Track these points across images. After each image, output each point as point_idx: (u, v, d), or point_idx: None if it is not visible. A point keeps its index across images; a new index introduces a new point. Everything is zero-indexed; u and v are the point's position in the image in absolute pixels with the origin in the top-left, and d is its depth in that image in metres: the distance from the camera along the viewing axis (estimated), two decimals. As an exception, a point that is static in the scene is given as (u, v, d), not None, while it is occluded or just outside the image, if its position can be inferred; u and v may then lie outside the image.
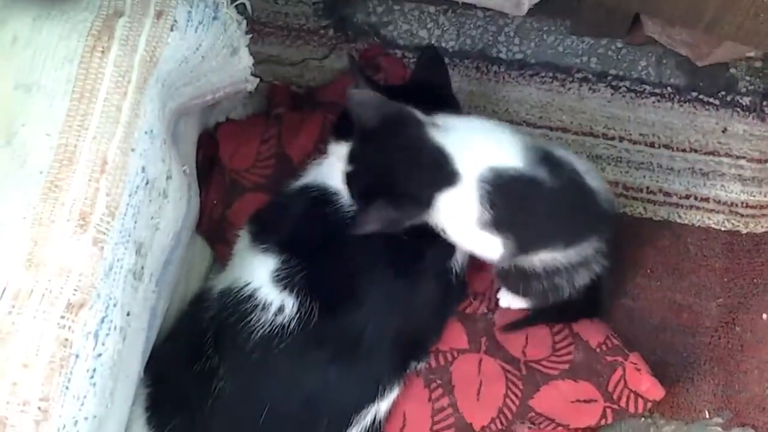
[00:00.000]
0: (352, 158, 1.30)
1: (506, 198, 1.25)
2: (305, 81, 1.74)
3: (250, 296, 1.34)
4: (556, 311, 1.46)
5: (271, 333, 1.31)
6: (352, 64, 1.45)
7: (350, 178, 1.31)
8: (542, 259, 1.32)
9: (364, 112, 1.28)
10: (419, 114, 1.28)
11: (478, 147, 1.27)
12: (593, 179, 1.32)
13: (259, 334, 1.31)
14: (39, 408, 1.02)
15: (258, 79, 1.44)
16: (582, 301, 1.44)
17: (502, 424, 1.43)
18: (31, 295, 1.04)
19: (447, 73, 1.50)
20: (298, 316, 1.31)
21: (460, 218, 1.27)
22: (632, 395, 1.43)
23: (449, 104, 1.42)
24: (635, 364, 1.43)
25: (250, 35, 1.38)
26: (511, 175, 1.25)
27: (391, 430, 1.44)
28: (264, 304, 1.33)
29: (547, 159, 1.28)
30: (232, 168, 1.56)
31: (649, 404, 1.44)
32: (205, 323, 1.35)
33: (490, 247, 1.30)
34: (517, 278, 1.37)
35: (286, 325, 1.31)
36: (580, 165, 1.32)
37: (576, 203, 1.31)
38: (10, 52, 1.11)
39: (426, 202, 1.26)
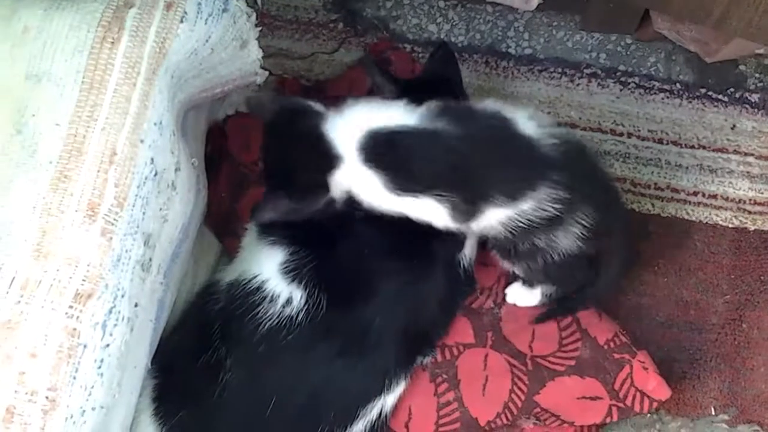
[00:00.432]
0: (261, 153, 1.38)
1: (398, 155, 1.26)
2: (314, 74, 1.74)
3: (258, 288, 1.35)
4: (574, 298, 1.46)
5: (279, 325, 1.32)
6: (367, 57, 1.46)
7: (263, 172, 1.38)
8: (498, 219, 1.27)
9: (261, 110, 1.36)
10: (315, 106, 1.33)
11: (355, 119, 1.28)
12: (531, 126, 1.27)
13: (266, 326, 1.32)
14: (47, 397, 1.02)
15: (267, 72, 1.44)
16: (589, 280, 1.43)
17: (507, 419, 1.43)
18: (39, 284, 1.04)
19: (458, 69, 1.51)
20: (306, 307, 1.32)
21: (373, 192, 1.28)
22: (638, 394, 1.43)
23: (459, 96, 1.43)
24: (642, 362, 1.43)
25: (260, 28, 1.38)
26: (397, 132, 1.26)
27: (396, 424, 1.44)
28: (272, 296, 1.33)
29: (449, 111, 1.27)
30: (241, 161, 1.56)
31: (655, 404, 1.44)
32: (212, 315, 1.36)
33: (433, 211, 1.28)
34: (504, 243, 1.34)
35: (294, 317, 1.32)
36: (513, 113, 1.28)
37: (501, 150, 1.27)
38: (21, 42, 1.11)
39: (320, 189, 1.30)
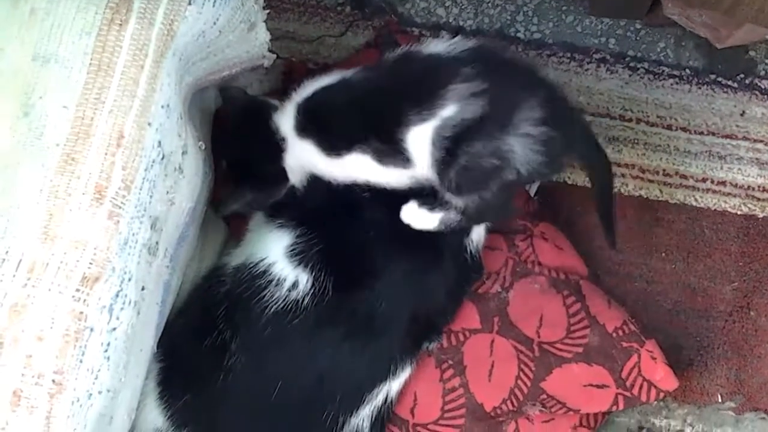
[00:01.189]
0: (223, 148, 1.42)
1: (319, 117, 1.31)
2: (321, 58, 1.74)
3: (265, 272, 1.35)
4: None
5: (285, 309, 1.32)
6: (387, 34, 1.46)
7: (227, 167, 1.41)
8: (427, 137, 1.22)
9: (231, 106, 1.44)
10: (272, 101, 1.39)
11: (293, 98, 1.33)
12: (440, 46, 1.26)
13: (272, 309, 1.32)
14: (53, 381, 1.02)
15: (275, 55, 1.44)
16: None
17: (513, 405, 1.43)
18: (46, 267, 1.04)
19: None
20: (312, 291, 1.32)
21: (317, 163, 1.32)
22: (645, 384, 1.42)
23: None
24: (651, 352, 1.43)
25: (267, 11, 1.37)
26: (313, 95, 1.31)
27: (401, 410, 1.44)
28: (278, 279, 1.34)
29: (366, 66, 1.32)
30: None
31: (662, 394, 1.43)
32: (218, 298, 1.36)
33: (366, 165, 1.28)
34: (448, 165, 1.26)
35: (300, 300, 1.32)
36: (422, 44, 1.29)
37: (404, 73, 1.27)
38: (28, 24, 1.10)
39: (278, 178, 1.36)
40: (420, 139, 1.22)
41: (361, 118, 1.26)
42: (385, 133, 1.24)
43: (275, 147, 1.33)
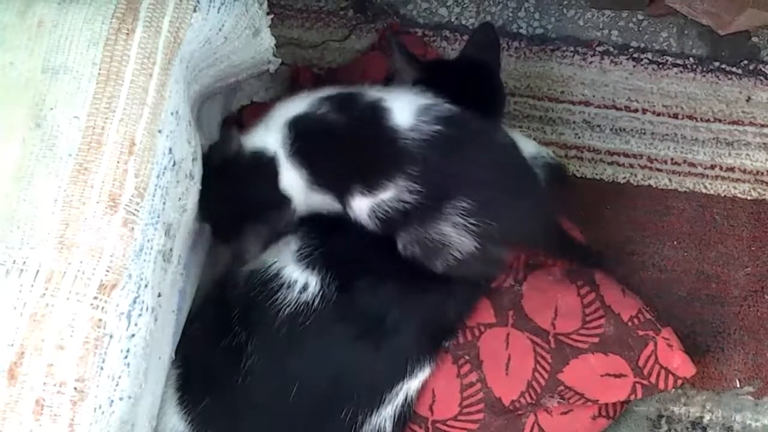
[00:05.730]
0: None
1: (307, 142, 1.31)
2: (326, 63, 1.74)
3: (276, 275, 1.35)
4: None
5: (298, 310, 1.32)
6: (394, 39, 1.46)
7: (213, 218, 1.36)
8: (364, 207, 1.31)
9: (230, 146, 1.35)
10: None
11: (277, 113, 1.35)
12: (406, 118, 1.27)
13: (286, 311, 1.32)
14: (75, 388, 1.03)
15: (280, 60, 1.45)
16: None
17: (531, 398, 1.43)
18: (63, 276, 1.04)
19: (499, 54, 1.50)
20: (320, 294, 1.33)
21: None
22: (663, 371, 1.42)
23: (491, 86, 1.42)
24: (667, 339, 1.42)
25: (271, 16, 1.38)
26: (299, 118, 1.32)
27: (420, 408, 1.44)
28: (289, 282, 1.34)
29: (333, 97, 1.32)
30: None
31: (680, 381, 1.43)
32: (232, 301, 1.36)
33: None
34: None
35: (311, 302, 1.33)
36: (394, 103, 1.29)
37: (362, 141, 1.29)
38: (36, 36, 1.12)
39: (280, 201, 1.33)
40: (361, 208, 1.30)
41: (321, 166, 1.31)
42: (338, 192, 1.31)
43: (268, 170, 1.32)
